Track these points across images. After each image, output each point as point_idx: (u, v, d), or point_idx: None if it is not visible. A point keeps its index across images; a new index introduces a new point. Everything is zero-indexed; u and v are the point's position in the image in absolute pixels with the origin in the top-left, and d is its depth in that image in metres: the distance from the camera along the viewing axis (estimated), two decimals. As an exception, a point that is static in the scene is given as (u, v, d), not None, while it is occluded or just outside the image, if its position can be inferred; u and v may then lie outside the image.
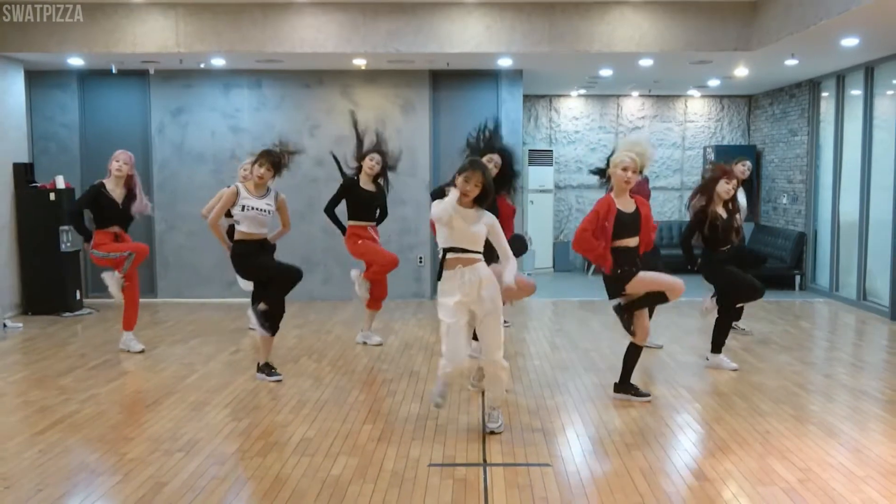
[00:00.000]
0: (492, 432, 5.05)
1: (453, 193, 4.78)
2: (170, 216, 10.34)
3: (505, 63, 9.76)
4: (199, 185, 10.13)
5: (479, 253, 4.88)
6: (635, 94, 13.29)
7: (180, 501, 4.01)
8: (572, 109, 13.51)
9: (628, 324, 5.59)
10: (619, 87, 12.47)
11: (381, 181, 7.31)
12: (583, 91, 13.03)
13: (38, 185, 9.38)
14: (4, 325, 8.24)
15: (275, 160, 6.19)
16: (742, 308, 7.73)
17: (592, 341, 7.76)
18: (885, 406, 5.68)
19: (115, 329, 8.36)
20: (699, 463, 4.60)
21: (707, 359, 6.74)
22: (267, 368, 6.37)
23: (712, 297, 6.82)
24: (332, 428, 5.17)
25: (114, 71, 9.59)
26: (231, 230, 6.70)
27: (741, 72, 10.28)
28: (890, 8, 6.61)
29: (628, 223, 5.46)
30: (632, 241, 5.50)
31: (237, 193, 6.14)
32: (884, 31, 7.73)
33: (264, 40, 8.82)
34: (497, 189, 5.50)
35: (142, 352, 7.27)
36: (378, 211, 7.38)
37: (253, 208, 6.11)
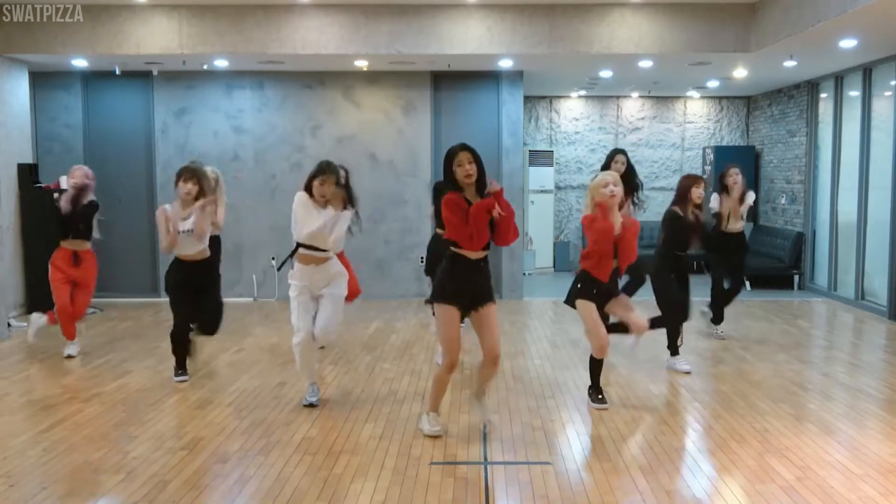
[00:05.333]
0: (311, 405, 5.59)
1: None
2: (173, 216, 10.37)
3: (505, 64, 9.80)
4: (201, 186, 10.17)
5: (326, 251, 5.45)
6: (635, 95, 13.32)
7: (183, 499, 4.05)
8: (572, 110, 13.55)
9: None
10: (618, 88, 12.51)
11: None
12: (583, 92, 13.06)
13: (43, 185, 9.42)
14: (9, 325, 8.28)
15: (199, 175, 6.18)
16: (722, 311, 7.85)
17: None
18: (882, 404, 5.72)
19: (119, 328, 8.41)
20: (698, 461, 4.63)
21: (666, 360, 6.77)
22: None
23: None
24: (334, 426, 5.21)
25: (117, 72, 9.63)
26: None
27: (740, 73, 10.33)
28: (888, 10, 6.65)
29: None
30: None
31: (166, 217, 6.12)
32: (882, 33, 7.77)
33: (266, 42, 8.86)
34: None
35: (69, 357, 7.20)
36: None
37: (179, 232, 6.09)
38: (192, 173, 6.16)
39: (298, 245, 5.49)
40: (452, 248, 4.78)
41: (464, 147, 4.79)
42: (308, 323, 5.55)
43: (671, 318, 6.60)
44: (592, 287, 5.47)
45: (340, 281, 5.60)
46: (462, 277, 4.78)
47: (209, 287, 6.37)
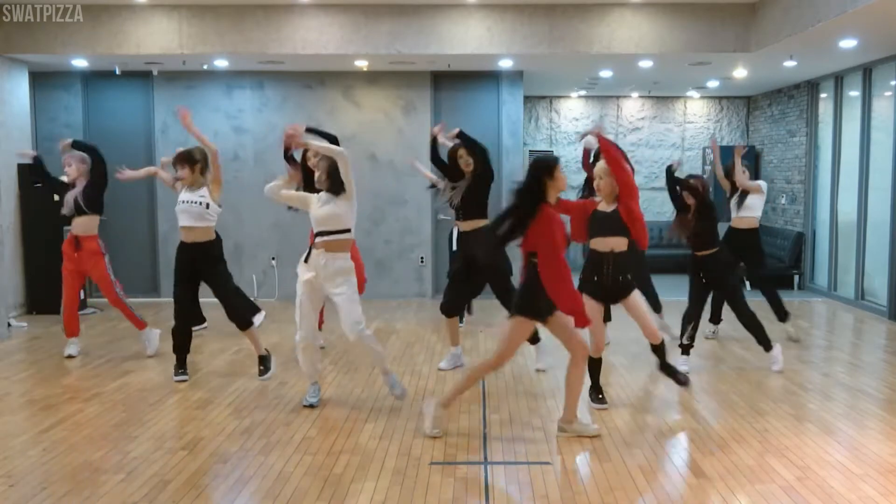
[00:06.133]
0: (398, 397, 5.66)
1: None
2: (173, 216, 10.22)
3: (506, 64, 9.80)
4: (201, 186, 10.17)
5: (335, 233, 5.37)
6: (635, 95, 13.32)
7: (183, 499, 4.05)
8: (572, 110, 13.55)
9: None
10: (618, 88, 12.51)
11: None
12: (583, 92, 13.06)
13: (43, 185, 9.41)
14: (9, 325, 8.28)
15: (189, 157, 6.26)
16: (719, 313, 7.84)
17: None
18: (882, 404, 5.72)
19: (119, 328, 8.41)
20: (698, 461, 4.63)
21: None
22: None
23: None
24: (334, 426, 5.22)
25: (117, 72, 9.63)
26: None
27: (740, 73, 10.33)
28: (887, 10, 6.65)
29: (600, 220, 5.38)
30: (599, 243, 5.38)
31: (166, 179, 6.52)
32: (882, 33, 7.77)
33: (267, 42, 8.86)
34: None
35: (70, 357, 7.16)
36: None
37: (183, 202, 6.26)
38: (181, 159, 6.27)
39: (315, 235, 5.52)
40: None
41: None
42: (310, 322, 5.53)
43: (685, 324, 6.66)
44: (592, 276, 5.44)
45: (349, 278, 5.48)
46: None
47: (210, 275, 6.33)
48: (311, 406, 5.61)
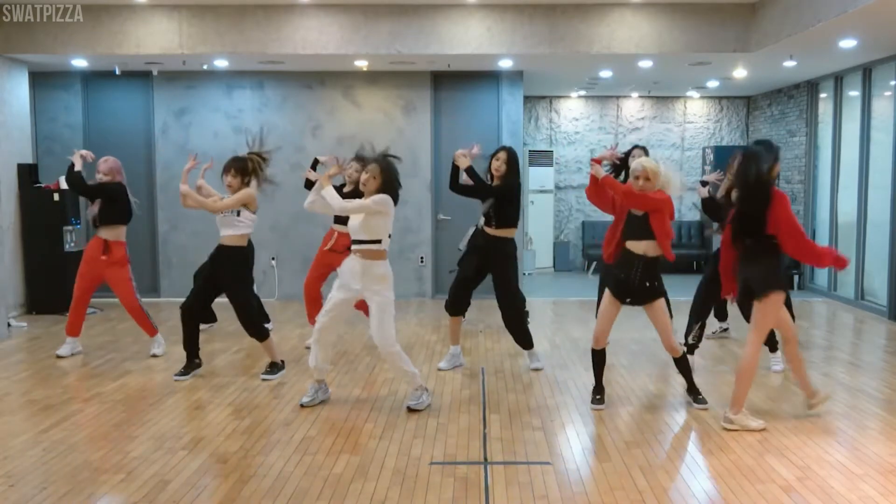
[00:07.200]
0: (409, 408, 5.53)
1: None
2: (173, 216, 10.38)
3: (505, 64, 9.80)
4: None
5: (368, 242, 5.37)
6: (635, 95, 13.32)
7: (183, 499, 4.05)
8: (572, 110, 13.55)
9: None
10: (618, 88, 12.51)
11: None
12: (583, 92, 13.07)
13: (43, 185, 9.42)
14: (9, 325, 8.28)
15: (241, 166, 6.30)
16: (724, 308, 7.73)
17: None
18: (882, 404, 5.72)
19: (119, 328, 8.41)
20: (698, 461, 4.64)
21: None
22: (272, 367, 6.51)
23: None
24: (334, 426, 5.21)
25: (117, 72, 9.63)
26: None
27: (740, 73, 10.33)
28: (887, 10, 6.65)
29: (632, 222, 5.38)
30: (633, 245, 5.35)
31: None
32: (882, 33, 7.78)
33: (267, 42, 8.86)
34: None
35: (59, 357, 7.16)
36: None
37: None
38: (232, 164, 6.38)
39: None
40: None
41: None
42: (325, 311, 5.55)
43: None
44: (620, 273, 5.44)
45: (376, 287, 5.38)
46: None
47: (223, 280, 6.36)
48: (303, 406, 5.60)
